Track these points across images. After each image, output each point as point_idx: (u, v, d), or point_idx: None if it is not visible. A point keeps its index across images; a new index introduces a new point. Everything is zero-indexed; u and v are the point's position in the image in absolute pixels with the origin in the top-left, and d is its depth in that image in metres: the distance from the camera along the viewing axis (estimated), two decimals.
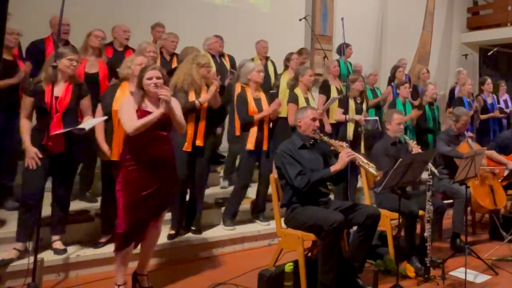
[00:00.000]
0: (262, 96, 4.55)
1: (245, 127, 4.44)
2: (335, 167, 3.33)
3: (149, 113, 3.04)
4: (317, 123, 3.54)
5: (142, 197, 3.02)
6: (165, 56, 5.19)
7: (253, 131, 4.38)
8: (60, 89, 3.46)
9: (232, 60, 5.90)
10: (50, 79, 3.32)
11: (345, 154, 3.31)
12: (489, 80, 6.88)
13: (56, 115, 3.39)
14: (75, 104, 3.56)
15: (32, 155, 3.34)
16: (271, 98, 4.81)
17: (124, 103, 3.12)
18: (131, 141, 3.04)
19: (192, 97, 3.97)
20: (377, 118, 5.47)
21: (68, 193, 3.69)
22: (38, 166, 3.35)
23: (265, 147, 4.46)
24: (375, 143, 5.53)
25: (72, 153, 3.56)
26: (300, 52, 6.44)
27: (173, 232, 4.09)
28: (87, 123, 3.49)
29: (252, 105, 4.40)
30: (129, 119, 3.00)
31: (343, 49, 5.79)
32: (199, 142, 4.01)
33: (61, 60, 3.43)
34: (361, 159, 3.38)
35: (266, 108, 4.47)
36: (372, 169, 3.32)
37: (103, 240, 3.81)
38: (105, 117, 3.60)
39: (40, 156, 3.34)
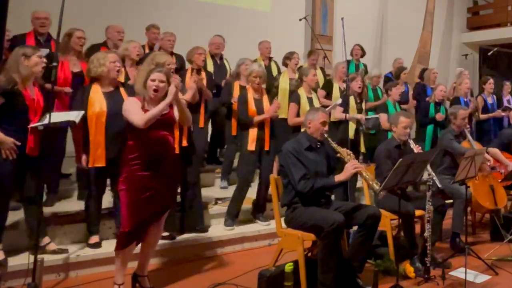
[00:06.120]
0: (264, 97, 4.52)
1: (243, 126, 4.44)
2: (339, 178, 3.31)
3: None
4: (326, 127, 3.48)
5: (146, 197, 3.02)
6: None
7: (253, 131, 4.36)
8: (32, 91, 3.34)
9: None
10: (27, 80, 3.26)
11: (351, 166, 3.29)
12: (491, 80, 6.69)
13: (36, 117, 3.31)
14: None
15: (11, 145, 3.18)
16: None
17: (129, 102, 3.12)
18: (135, 140, 3.04)
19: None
20: (378, 116, 5.47)
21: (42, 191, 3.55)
22: (7, 169, 3.23)
23: (266, 147, 4.43)
24: (375, 142, 5.55)
25: (44, 154, 3.42)
26: (309, 53, 6.46)
27: (166, 233, 3.94)
28: (72, 115, 3.35)
29: (251, 106, 4.38)
30: (137, 114, 3.00)
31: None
32: (185, 143, 3.92)
33: (31, 58, 3.28)
34: (367, 174, 3.36)
35: (266, 108, 4.46)
36: (376, 185, 3.30)
37: (92, 241, 3.75)
38: (83, 112, 3.45)
39: (18, 143, 3.21)
